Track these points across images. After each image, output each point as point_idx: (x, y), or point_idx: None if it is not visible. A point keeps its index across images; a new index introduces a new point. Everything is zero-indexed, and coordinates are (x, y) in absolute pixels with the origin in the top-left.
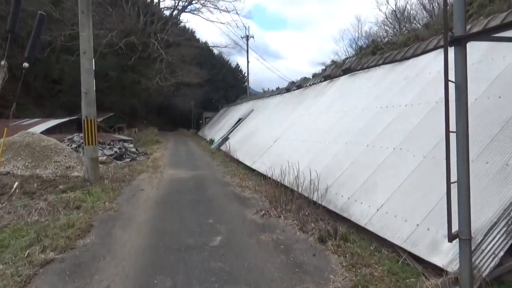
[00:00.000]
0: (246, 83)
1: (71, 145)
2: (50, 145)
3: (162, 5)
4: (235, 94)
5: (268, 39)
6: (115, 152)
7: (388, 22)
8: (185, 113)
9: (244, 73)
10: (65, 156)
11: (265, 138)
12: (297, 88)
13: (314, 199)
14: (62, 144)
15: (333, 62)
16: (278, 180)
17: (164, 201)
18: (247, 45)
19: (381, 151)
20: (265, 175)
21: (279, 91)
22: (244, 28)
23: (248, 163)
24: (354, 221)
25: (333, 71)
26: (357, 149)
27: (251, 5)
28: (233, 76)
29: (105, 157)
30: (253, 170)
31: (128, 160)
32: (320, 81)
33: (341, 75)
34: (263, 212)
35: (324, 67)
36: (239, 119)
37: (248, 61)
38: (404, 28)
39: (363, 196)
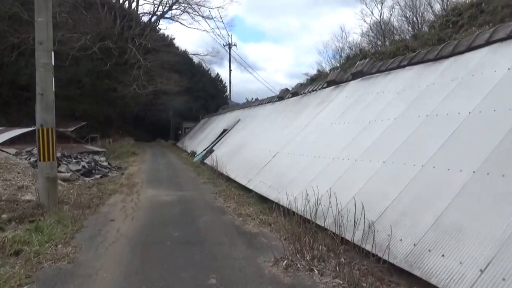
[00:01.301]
0: (227, 93)
1: (29, 159)
2: (0, 160)
3: (140, 9)
4: (216, 104)
5: (246, 51)
6: (83, 167)
7: (372, 33)
8: (163, 123)
9: (225, 83)
10: (18, 173)
11: (260, 152)
12: (293, 96)
13: (351, 239)
14: (16, 158)
15: (318, 71)
16: (288, 207)
17: (142, 241)
18: (229, 52)
19: (452, 175)
20: (266, 198)
21: (269, 99)
22: (227, 35)
23: (242, 182)
24: (438, 286)
25: (339, 76)
26: (407, 170)
27: (229, 17)
28: (213, 86)
29: (70, 174)
30: (249, 190)
31: (98, 176)
32: (323, 87)
33: (349, 80)
34: (285, 261)
35: (308, 77)
36: (224, 130)
37: (230, 69)
38: (386, 39)
39: (443, 245)
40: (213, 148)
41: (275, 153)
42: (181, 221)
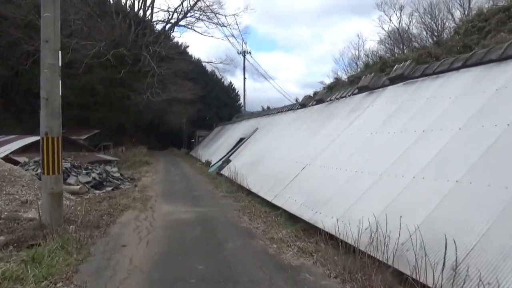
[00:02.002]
0: (239, 102)
1: (36, 170)
2: (3, 171)
3: (155, 17)
4: (229, 113)
5: (258, 60)
6: (93, 178)
7: (390, 41)
8: (176, 131)
9: (238, 91)
10: (23, 186)
11: (286, 164)
12: (317, 103)
13: (429, 282)
14: (21, 170)
15: (336, 79)
16: (329, 231)
17: (159, 278)
18: (244, 59)
19: None
20: (297, 217)
21: (290, 107)
22: (242, 41)
23: (267, 197)
24: None
25: (373, 81)
26: (498, 193)
27: (243, 25)
28: (226, 94)
29: (79, 186)
30: (275, 207)
31: (110, 189)
32: (353, 93)
33: (386, 85)
34: None
35: (324, 85)
36: (241, 139)
37: (244, 77)
38: (405, 47)
39: None
40: (230, 158)
41: (303, 165)
42: (204, 247)
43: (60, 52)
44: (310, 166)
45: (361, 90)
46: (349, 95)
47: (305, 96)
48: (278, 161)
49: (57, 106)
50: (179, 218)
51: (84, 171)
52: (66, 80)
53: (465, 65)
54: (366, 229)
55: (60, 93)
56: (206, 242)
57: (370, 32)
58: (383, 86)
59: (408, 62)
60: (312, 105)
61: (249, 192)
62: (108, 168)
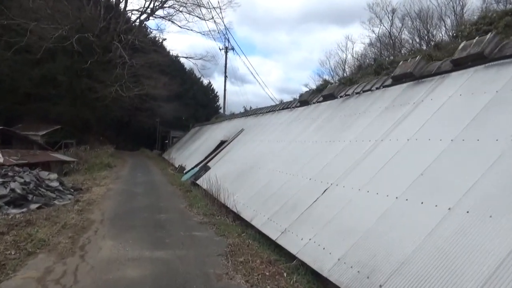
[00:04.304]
0: (218, 103)
1: None
2: None
3: (130, 6)
4: (206, 114)
5: (236, 63)
6: (12, 191)
7: (380, 44)
8: (149, 131)
9: (217, 92)
10: None
11: (293, 181)
12: (325, 99)
13: None
14: None
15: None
16: None
17: None
18: (226, 56)
19: None
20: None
21: (286, 105)
22: (225, 35)
23: (268, 233)
24: None
25: (419, 67)
26: None
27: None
28: (204, 94)
29: None
30: (282, 249)
31: (36, 206)
32: (383, 85)
33: (447, 71)
34: None
35: (309, 89)
36: (222, 142)
37: (225, 75)
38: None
39: None
40: (208, 164)
41: (325, 186)
42: None
43: None
44: (337, 187)
45: (398, 80)
46: (376, 88)
47: (306, 92)
48: (280, 175)
49: None
50: (124, 277)
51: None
52: (24, 68)
53: None
54: None
55: None
56: None
57: (358, 36)
58: (441, 72)
59: (489, 35)
60: (319, 101)
61: (237, 216)
62: (43, 174)
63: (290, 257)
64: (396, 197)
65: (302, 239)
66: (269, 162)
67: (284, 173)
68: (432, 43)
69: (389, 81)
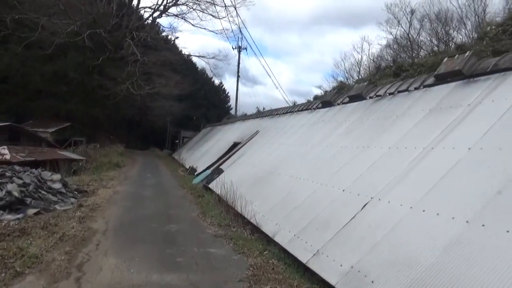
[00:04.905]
0: (229, 104)
1: None
2: None
3: (143, 3)
4: (217, 114)
5: (247, 65)
6: (8, 193)
7: (398, 46)
8: (159, 130)
9: (228, 93)
10: None
11: (322, 191)
12: (352, 100)
13: None
14: None
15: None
16: None
17: None
18: (239, 54)
19: None
20: None
21: (305, 106)
22: (239, 36)
23: (296, 254)
24: None
25: (470, 64)
26: None
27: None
28: (216, 95)
29: None
30: (314, 274)
31: (34, 212)
32: (423, 85)
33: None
34: None
35: (322, 91)
36: (235, 144)
37: (238, 75)
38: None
39: None
40: (221, 167)
41: (364, 199)
42: None
43: None
44: (381, 203)
45: (442, 79)
46: (415, 88)
47: (330, 91)
48: (305, 183)
49: None
50: None
51: None
52: (35, 64)
53: None
54: None
55: None
56: None
57: (375, 37)
58: (500, 70)
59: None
60: (344, 102)
61: (256, 228)
62: (46, 174)
63: (325, 284)
64: (467, 221)
65: (341, 265)
66: (290, 168)
67: (309, 181)
68: (452, 45)
69: (431, 80)
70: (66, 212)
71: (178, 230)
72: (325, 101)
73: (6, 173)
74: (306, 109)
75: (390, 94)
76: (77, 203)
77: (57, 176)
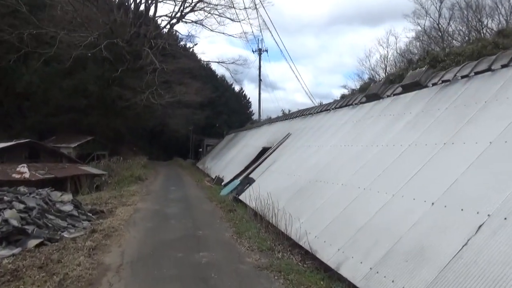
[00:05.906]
0: (250, 109)
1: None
2: None
3: (160, 12)
4: (239, 120)
5: (266, 70)
6: (4, 222)
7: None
8: (182, 139)
9: (249, 98)
10: None
11: (398, 206)
12: (406, 90)
13: None
14: None
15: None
16: None
17: None
18: (260, 59)
19: None
20: None
21: (345, 101)
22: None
23: None
24: None
25: None
26: None
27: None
28: (236, 101)
29: None
30: None
31: (36, 243)
32: (502, 65)
33: None
34: None
35: (348, 90)
36: (264, 149)
37: (260, 79)
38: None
39: None
40: (251, 175)
41: (475, 218)
42: None
43: None
44: (507, 222)
45: None
46: (502, 66)
47: (375, 82)
48: (367, 194)
49: None
50: None
51: None
52: (56, 79)
53: None
54: None
55: None
56: None
57: (402, 30)
58: None
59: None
60: (396, 94)
61: (307, 253)
62: (55, 195)
63: None
64: None
65: None
66: (340, 175)
67: (373, 191)
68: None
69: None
70: (74, 241)
71: (211, 262)
72: (371, 94)
73: (5, 197)
74: (346, 105)
75: (463, 77)
76: (90, 227)
77: (68, 197)
